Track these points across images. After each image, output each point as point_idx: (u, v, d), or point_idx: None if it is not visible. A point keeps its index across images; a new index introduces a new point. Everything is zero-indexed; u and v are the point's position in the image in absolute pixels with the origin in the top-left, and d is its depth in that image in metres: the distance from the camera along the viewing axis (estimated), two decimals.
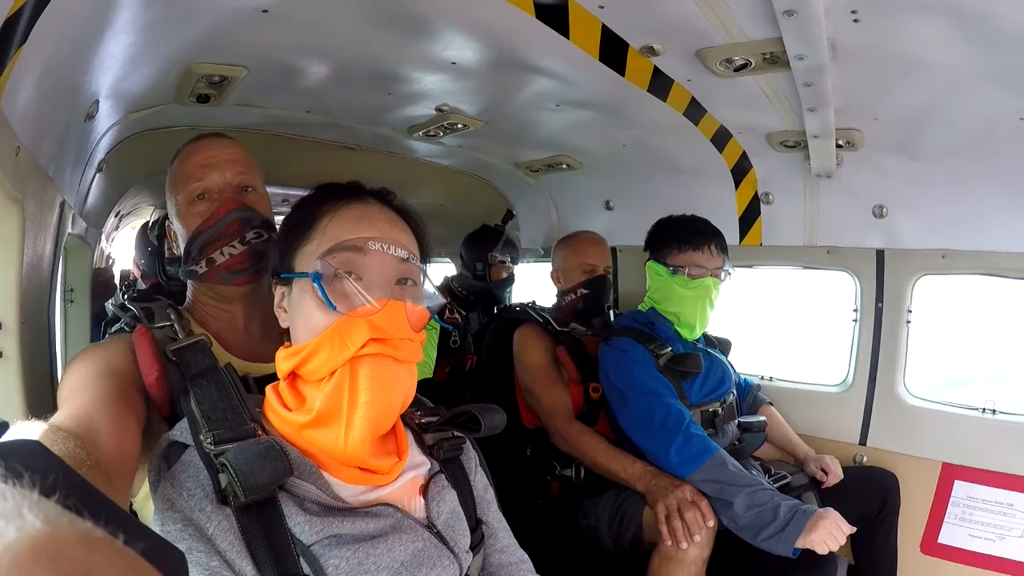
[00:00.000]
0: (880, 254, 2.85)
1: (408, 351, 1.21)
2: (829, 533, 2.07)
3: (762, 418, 2.76)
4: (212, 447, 1.10)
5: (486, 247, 4.17)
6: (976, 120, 2.20)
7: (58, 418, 1.13)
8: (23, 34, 1.14)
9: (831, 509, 2.14)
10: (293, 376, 1.23)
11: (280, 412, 1.21)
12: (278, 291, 1.30)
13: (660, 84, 2.21)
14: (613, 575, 2.64)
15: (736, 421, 2.72)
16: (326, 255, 1.19)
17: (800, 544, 2.10)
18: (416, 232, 1.34)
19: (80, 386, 1.26)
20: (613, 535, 2.56)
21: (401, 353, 1.19)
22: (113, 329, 1.66)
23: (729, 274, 2.70)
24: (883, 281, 2.86)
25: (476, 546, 1.38)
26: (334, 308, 1.15)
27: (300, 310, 1.22)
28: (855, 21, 1.69)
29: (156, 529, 1.05)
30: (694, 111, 2.44)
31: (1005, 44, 1.73)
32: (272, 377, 1.29)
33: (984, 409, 2.72)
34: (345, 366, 1.14)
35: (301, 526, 1.08)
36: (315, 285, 1.16)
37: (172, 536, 1.02)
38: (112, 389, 1.26)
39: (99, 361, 1.34)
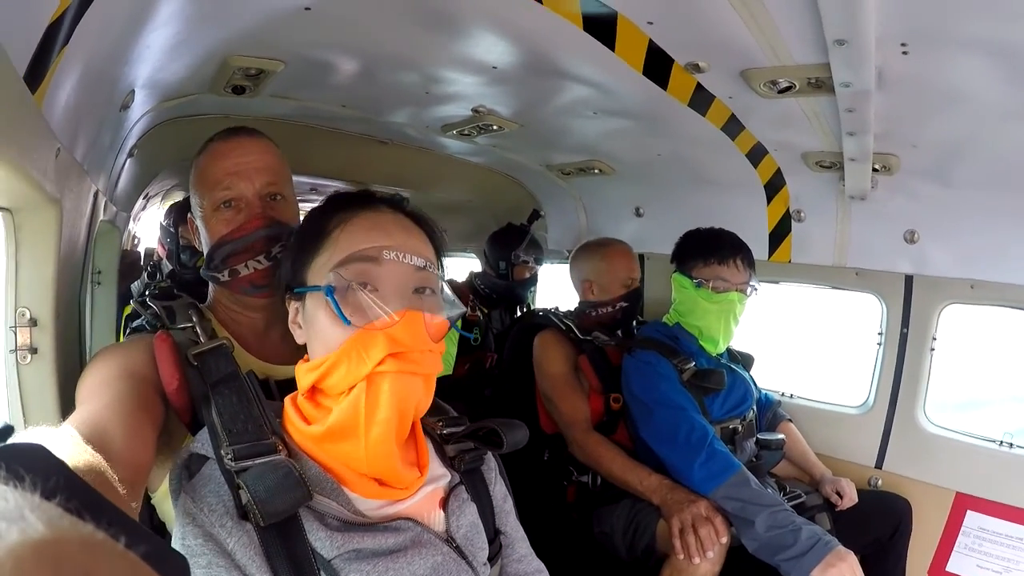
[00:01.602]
0: (909, 279, 2.83)
1: (428, 363, 1.18)
2: None
3: (781, 436, 2.76)
4: (232, 463, 1.09)
5: (510, 246, 4.15)
6: (1012, 154, 2.18)
7: (72, 422, 1.12)
8: (66, 36, 1.14)
9: (850, 552, 2.12)
10: (314, 389, 1.21)
11: (299, 425, 1.19)
12: (292, 306, 1.28)
13: (701, 100, 2.20)
14: None
15: (755, 438, 2.71)
16: (338, 267, 1.17)
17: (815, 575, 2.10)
18: (432, 239, 1.31)
19: (99, 387, 1.26)
20: (627, 543, 2.57)
21: (421, 367, 1.16)
22: (134, 325, 1.66)
23: (755, 290, 2.68)
24: (910, 307, 2.84)
25: (494, 557, 1.37)
26: (348, 323, 1.13)
27: (315, 325, 1.20)
28: (904, 53, 1.68)
29: (176, 541, 1.05)
30: (732, 127, 2.43)
31: None
32: (294, 381, 1.27)
33: (1002, 442, 2.70)
34: (363, 381, 1.12)
35: (322, 541, 1.08)
36: (328, 299, 1.14)
37: (193, 551, 1.02)
38: (130, 392, 1.25)
39: (119, 362, 1.33)
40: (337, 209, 1.26)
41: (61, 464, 0.67)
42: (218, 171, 1.58)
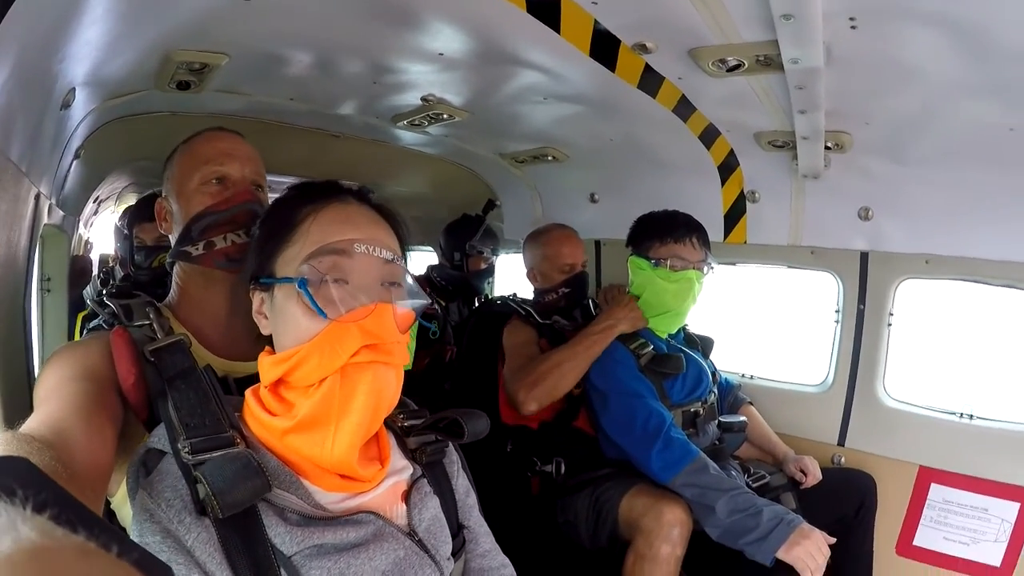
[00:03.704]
0: (864, 256, 2.85)
1: (399, 354, 1.18)
2: (811, 555, 2.08)
3: (743, 418, 2.77)
4: (189, 456, 1.07)
5: (465, 237, 4.14)
6: (966, 129, 2.20)
7: (31, 424, 1.10)
8: None
9: (815, 529, 2.14)
10: (277, 382, 1.19)
11: (262, 417, 1.17)
12: (256, 296, 1.26)
13: (650, 81, 2.19)
14: (590, 571, 2.64)
15: (717, 421, 2.73)
16: (310, 259, 1.16)
17: (781, 556, 2.11)
18: (396, 231, 1.31)
19: (56, 388, 1.23)
20: (590, 531, 2.57)
21: (393, 358, 1.16)
22: (91, 325, 1.62)
23: (712, 268, 2.69)
24: (866, 283, 2.86)
25: (457, 551, 1.36)
26: (325, 316, 1.12)
27: (284, 316, 1.18)
28: (852, 28, 1.68)
29: (134, 538, 1.02)
30: (683, 108, 2.42)
31: (999, 57, 1.73)
32: (253, 378, 1.26)
33: (961, 414, 2.74)
34: (336, 374, 1.11)
35: (282, 536, 1.06)
36: (302, 291, 1.13)
37: (151, 547, 1.00)
38: (89, 392, 1.23)
39: (76, 362, 1.31)
40: (306, 200, 1.26)
41: (49, 479, 0.68)
42: (212, 150, 1.62)
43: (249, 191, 1.60)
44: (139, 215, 3.25)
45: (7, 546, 0.32)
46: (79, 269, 3.61)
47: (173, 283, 1.65)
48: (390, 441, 1.33)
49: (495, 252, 4.24)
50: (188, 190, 1.59)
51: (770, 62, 1.91)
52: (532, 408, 2.65)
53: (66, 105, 1.82)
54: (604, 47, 1.96)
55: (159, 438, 1.14)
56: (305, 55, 2.17)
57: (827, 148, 2.53)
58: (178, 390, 1.20)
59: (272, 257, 1.22)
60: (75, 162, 2.31)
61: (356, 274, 1.17)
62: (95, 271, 4.35)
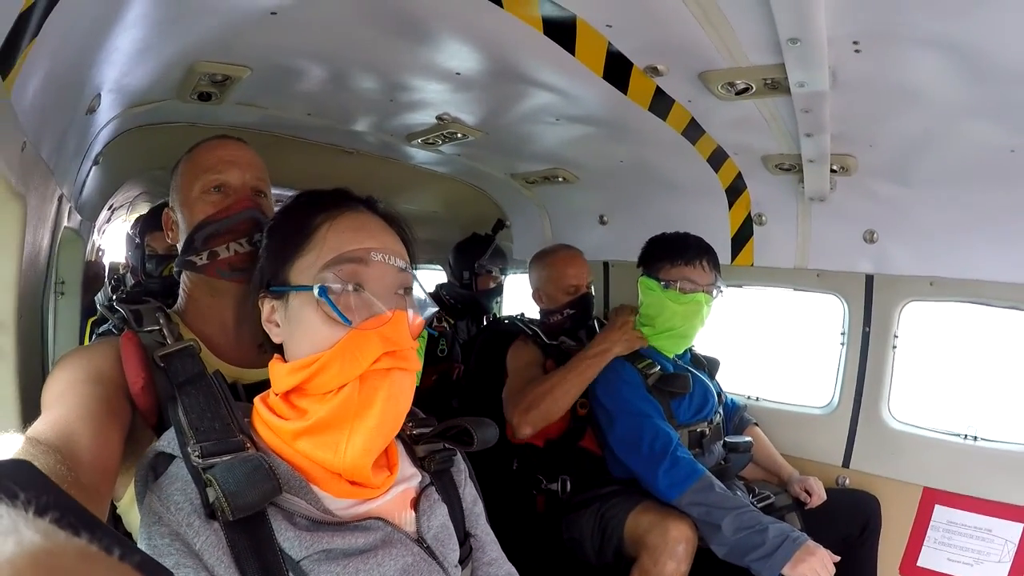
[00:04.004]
0: (869, 279, 2.87)
1: (414, 360, 1.20)
2: (815, 572, 2.10)
3: (748, 439, 2.77)
4: (199, 460, 1.07)
5: (474, 256, 4.18)
6: (969, 151, 2.23)
7: (39, 428, 1.12)
8: (35, 29, 1.13)
9: (820, 546, 2.16)
10: (291, 389, 1.19)
11: (272, 421, 1.18)
12: (267, 305, 1.26)
13: (661, 104, 2.23)
14: None
15: (722, 441, 2.73)
16: (330, 266, 1.17)
17: (787, 573, 2.12)
18: (404, 239, 1.32)
19: (65, 391, 1.24)
20: (595, 548, 2.57)
21: (410, 363, 1.18)
22: (101, 330, 1.64)
23: (721, 291, 2.70)
24: (871, 306, 2.88)
25: (464, 559, 1.36)
26: (349, 323, 1.13)
27: (301, 325, 1.19)
28: (856, 52, 1.71)
29: (143, 542, 1.03)
30: (692, 131, 2.46)
31: (1000, 79, 1.76)
32: (262, 385, 1.27)
33: (966, 436, 2.74)
34: (355, 381, 1.12)
35: (291, 541, 1.06)
36: (323, 299, 1.14)
37: (159, 551, 1.01)
38: (97, 396, 1.24)
39: (85, 365, 1.32)
40: (318, 208, 1.27)
41: (51, 482, 0.66)
42: (212, 158, 1.62)
43: (249, 198, 1.60)
44: (151, 224, 3.28)
45: (9, 549, 0.32)
46: (92, 275, 3.64)
47: (181, 291, 1.66)
48: (399, 449, 1.34)
49: (504, 271, 4.27)
50: (190, 199, 1.60)
51: (777, 85, 1.94)
52: (527, 432, 2.66)
53: (91, 110, 1.86)
54: (617, 69, 2.00)
55: (168, 442, 1.14)
56: (324, 71, 2.21)
57: (833, 171, 2.56)
58: (188, 395, 1.20)
59: (286, 265, 1.23)
60: (94, 168, 2.35)
61: (373, 282, 1.18)
62: (106, 278, 4.38)
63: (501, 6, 1.69)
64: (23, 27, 1.08)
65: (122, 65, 1.83)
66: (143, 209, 4.36)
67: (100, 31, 1.54)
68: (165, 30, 1.77)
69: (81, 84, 1.66)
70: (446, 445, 1.42)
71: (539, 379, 2.75)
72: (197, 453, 1.08)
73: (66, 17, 1.22)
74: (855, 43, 1.68)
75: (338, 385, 1.13)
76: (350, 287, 1.17)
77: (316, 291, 1.15)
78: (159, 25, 1.72)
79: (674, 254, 2.68)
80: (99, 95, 1.85)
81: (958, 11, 1.51)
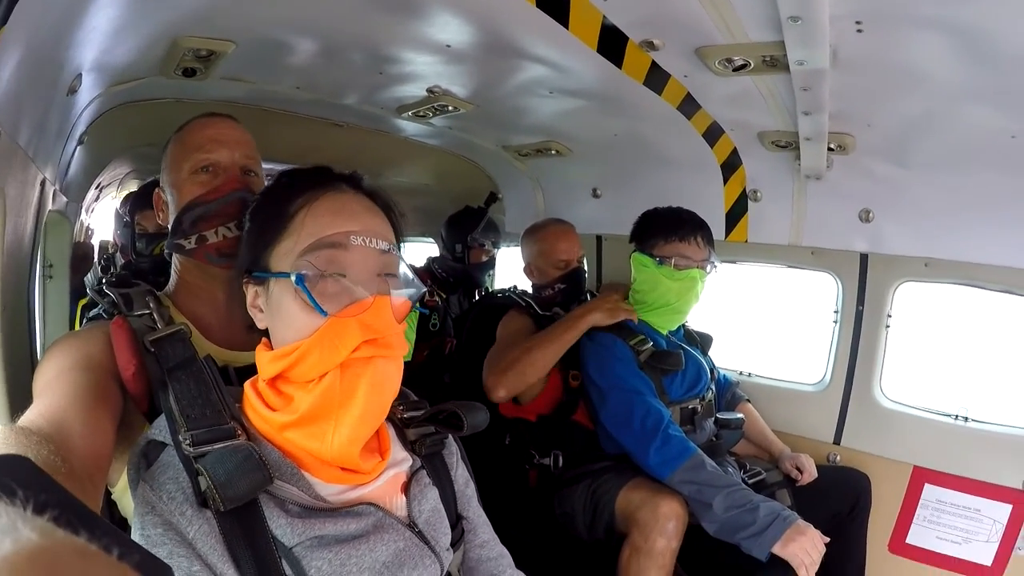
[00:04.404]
0: (864, 258, 2.86)
1: (399, 345, 1.19)
2: (806, 551, 2.10)
3: (740, 416, 2.76)
4: (191, 448, 1.07)
5: (466, 229, 4.15)
6: (968, 134, 2.21)
7: (30, 416, 1.10)
8: (3, 17, 1.09)
9: (810, 526, 2.17)
10: (276, 376, 1.18)
11: (261, 411, 1.17)
12: (251, 290, 1.25)
13: (656, 78, 2.20)
14: (587, 562, 2.66)
15: (714, 418, 2.73)
16: (307, 253, 1.15)
17: (777, 551, 2.12)
18: (391, 218, 1.30)
19: (55, 378, 1.23)
20: (587, 523, 2.59)
21: (393, 351, 1.17)
22: (91, 314, 1.62)
23: (715, 267, 2.70)
24: (865, 285, 2.87)
25: (456, 542, 1.36)
26: (324, 313, 1.11)
27: (281, 312, 1.18)
28: (859, 31, 1.69)
29: (136, 532, 1.02)
30: (688, 106, 2.43)
31: (1003, 64, 1.74)
32: (253, 368, 1.25)
33: (956, 416, 2.76)
34: (336, 369, 1.11)
35: (283, 528, 1.06)
36: (299, 287, 1.13)
37: (153, 540, 1.00)
38: (88, 382, 1.23)
39: (76, 352, 1.30)
40: (298, 189, 1.24)
41: (50, 479, 0.67)
42: (200, 137, 1.61)
43: (237, 178, 1.58)
44: (140, 202, 3.25)
45: (8, 547, 0.32)
46: (81, 255, 3.61)
47: (172, 271, 1.65)
48: (389, 433, 1.33)
49: (496, 245, 4.25)
50: (179, 180, 1.59)
51: (776, 63, 1.91)
52: (501, 395, 2.65)
53: (72, 91, 1.82)
54: (612, 43, 1.96)
55: (160, 430, 1.13)
56: (312, 44, 2.16)
57: (830, 149, 2.54)
58: (179, 381, 1.19)
59: (266, 250, 1.21)
60: (78, 148, 2.31)
61: (353, 267, 1.17)
62: (95, 257, 4.35)
63: None
64: None
65: (101, 44, 1.79)
66: (132, 187, 4.34)
67: (74, 12, 1.49)
68: (144, 7, 1.73)
69: (59, 66, 1.62)
70: (437, 428, 1.41)
71: (515, 343, 2.75)
72: (188, 441, 1.08)
73: (36, 2, 1.18)
74: (858, 22, 1.65)
75: (319, 374, 1.12)
76: (327, 273, 1.14)
77: (293, 279, 1.13)
78: (137, 2, 1.68)
79: (668, 230, 2.67)
80: (80, 75, 1.80)
81: None
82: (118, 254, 3.72)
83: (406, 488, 1.28)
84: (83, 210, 3.46)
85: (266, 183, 1.53)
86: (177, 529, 1.01)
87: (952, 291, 2.84)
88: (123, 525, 1.40)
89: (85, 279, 3.64)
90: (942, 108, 2.09)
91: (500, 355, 2.74)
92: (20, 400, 1.30)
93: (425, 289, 1.29)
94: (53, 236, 2.55)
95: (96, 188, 3.58)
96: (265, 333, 1.24)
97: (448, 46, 2.12)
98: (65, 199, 2.34)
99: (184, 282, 1.61)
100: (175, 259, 1.63)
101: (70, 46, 1.60)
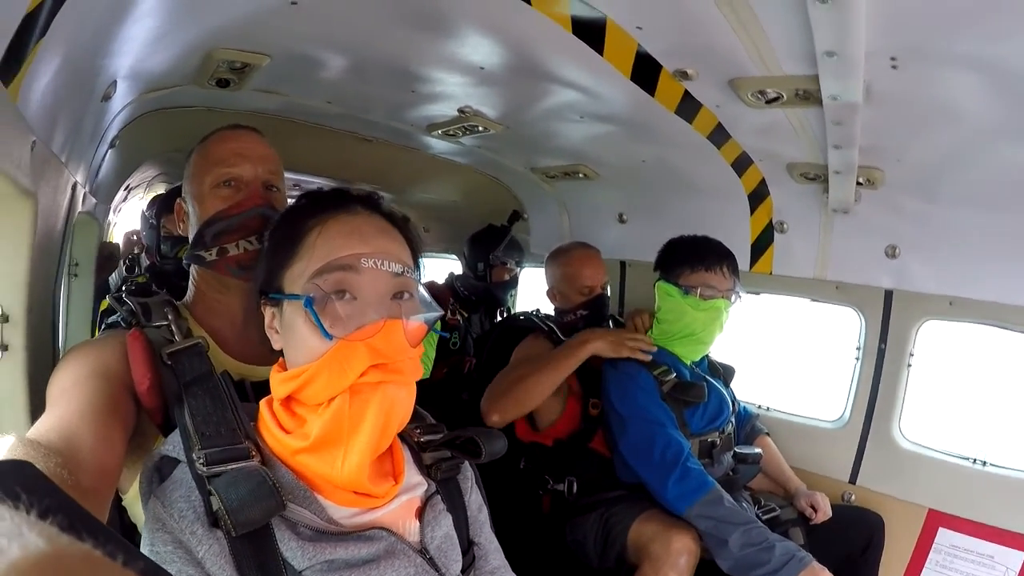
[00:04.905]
0: (888, 294, 2.83)
1: (410, 371, 1.17)
2: None
3: (758, 451, 2.74)
4: (204, 468, 1.06)
5: (489, 247, 4.13)
6: (997, 172, 2.19)
7: (41, 427, 1.10)
8: (43, 28, 1.11)
9: (824, 568, 2.13)
10: (289, 398, 1.18)
11: (276, 433, 1.16)
12: (267, 311, 1.25)
13: (688, 107, 2.20)
14: None
15: (732, 452, 2.71)
16: (316, 276, 1.15)
17: None
18: (408, 239, 1.29)
19: (70, 387, 1.23)
20: (598, 552, 2.56)
21: (403, 376, 1.15)
22: (109, 320, 1.63)
23: (740, 297, 2.67)
24: (888, 322, 2.84)
25: (467, 568, 1.34)
26: (330, 337, 1.11)
27: (294, 334, 1.17)
28: (893, 67, 1.68)
29: (146, 547, 1.02)
30: (718, 135, 2.42)
31: None
32: (269, 383, 1.24)
33: (975, 460, 2.72)
34: (344, 393, 1.10)
35: (293, 551, 1.05)
36: (308, 310, 1.12)
37: (162, 557, 1.00)
38: (102, 394, 1.23)
39: (92, 361, 1.31)
40: (312, 212, 1.24)
41: (54, 485, 0.67)
42: (224, 151, 1.60)
43: (259, 194, 1.58)
44: (167, 205, 3.28)
45: (14, 552, 0.32)
46: (107, 255, 3.64)
47: (191, 282, 1.65)
48: (405, 456, 1.32)
49: (519, 264, 4.23)
50: (202, 192, 1.59)
51: (809, 96, 1.91)
52: (495, 419, 2.63)
53: (107, 97, 1.84)
54: (645, 71, 1.96)
55: (174, 446, 1.13)
56: (345, 60, 2.18)
57: (858, 183, 2.52)
58: (194, 396, 1.18)
59: (280, 272, 1.22)
60: (110, 152, 2.33)
61: (364, 290, 1.16)
62: (120, 256, 4.39)
63: (529, 3, 1.66)
64: (29, 28, 1.06)
65: (137, 53, 1.81)
66: (160, 189, 4.40)
67: (112, 22, 1.51)
68: (181, 19, 1.75)
69: (95, 74, 1.64)
70: (453, 453, 1.39)
71: (515, 368, 2.74)
72: (202, 460, 1.07)
73: (76, 12, 1.20)
74: (892, 59, 1.64)
75: (327, 397, 1.11)
76: (336, 296, 1.14)
77: (303, 302, 1.13)
78: (175, 13, 1.70)
79: (695, 259, 2.65)
80: (114, 82, 1.83)
81: (1003, 34, 1.47)
82: (143, 255, 3.75)
83: (420, 513, 1.27)
84: (111, 211, 3.50)
85: (289, 195, 1.54)
86: (187, 548, 1.01)
87: (975, 331, 2.80)
88: (132, 531, 1.40)
89: (110, 278, 3.68)
90: (973, 145, 2.07)
91: (500, 379, 2.73)
92: (40, 397, 1.31)
93: (441, 312, 1.27)
94: (81, 236, 2.58)
95: (125, 189, 3.62)
96: (281, 353, 1.24)
97: (481, 68, 2.14)
98: (94, 200, 2.36)
99: (202, 294, 1.61)
100: (193, 270, 1.63)
101: (107, 55, 1.62)
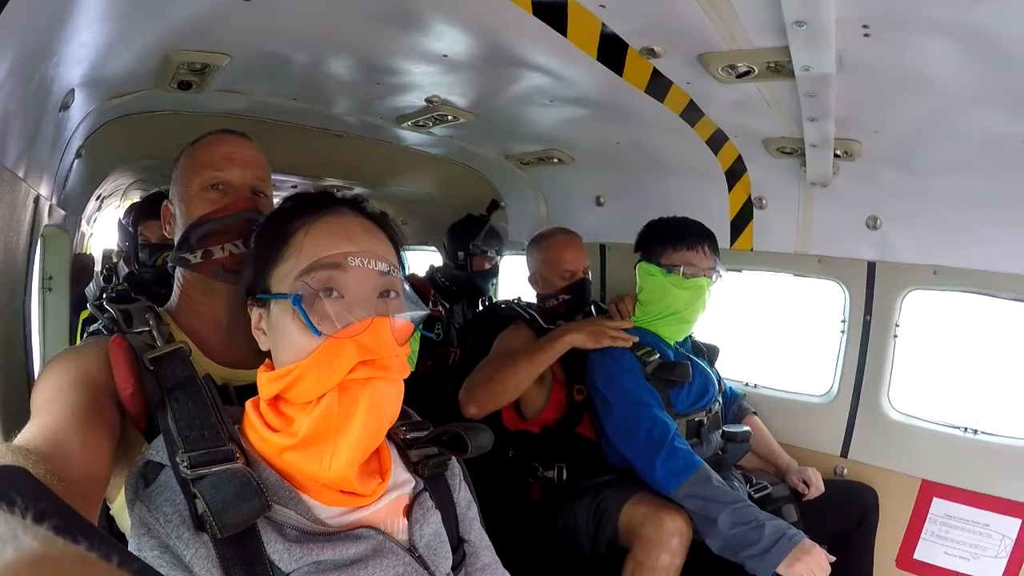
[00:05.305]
0: (871, 266, 2.83)
1: (397, 368, 1.17)
2: (811, 571, 2.07)
3: (746, 428, 2.74)
4: (188, 471, 1.05)
5: (468, 236, 4.16)
6: (976, 139, 2.18)
7: (27, 435, 1.09)
8: None
9: (816, 545, 2.13)
10: (276, 397, 1.17)
11: (262, 433, 1.16)
12: (255, 312, 1.25)
13: (658, 85, 2.17)
14: None
15: (720, 431, 2.71)
16: (304, 274, 1.15)
17: (782, 572, 2.09)
18: (393, 240, 1.30)
19: (53, 396, 1.22)
20: (590, 537, 2.55)
21: (391, 373, 1.15)
22: (91, 329, 1.61)
23: (721, 276, 2.68)
24: (872, 294, 2.84)
25: (457, 566, 1.34)
26: (319, 334, 1.11)
27: (281, 333, 1.17)
28: (866, 36, 1.66)
29: (133, 551, 1.01)
30: (691, 113, 2.40)
31: (1012, 67, 1.71)
32: (253, 387, 1.24)
33: (966, 428, 2.72)
34: (334, 391, 1.10)
35: (280, 554, 1.05)
36: (296, 308, 1.12)
37: (149, 562, 0.99)
38: (85, 401, 1.21)
39: (74, 369, 1.29)
40: (298, 213, 1.25)
41: (48, 489, 0.68)
42: (212, 155, 1.61)
43: (247, 199, 1.59)
44: (144, 213, 3.27)
45: (10, 556, 0.32)
46: (81, 267, 3.62)
47: (175, 286, 1.64)
48: (392, 454, 1.32)
49: (499, 252, 4.26)
50: (189, 195, 1.59)
51: (780, 69, 1.88)
52: (472, 411, 2.62)
53: (65, 107, 1.81)
54: (612, 51, 1.94)
55: (158, 450, 1.12)
56: (307, 55, 2.16)
57: (836, 156, 2.51)
58: (177, 401, 1.18)
59: (267, 272, 1.22)
60: (76, 162, 2.31)
61: (351, 288, 1.16)
62: (98, 267, 4.36)
63: None
64: None
65: (92, 60, 1.78)
66: (135, 197, 4.39)
67: (62, 28, 1.48)
68: (133, 21, 1.72)
69: (49, 83, 1.60)
70: (440, 450, 1.39)
71: (493, 361, 2.74)
72: (186, 463, 1.06)
73: (17, 22, 1.17)
74: (865, 27, 1.62)
75: (316, 395, 1.11)
76: (324, 294, 1.14)
77: (291, 300, 1.13)
78: (126, 16, 1.67)
79: (676, 239, 2.66)
80: (72, 91, 1.80)
81: None
82: (121, 263, 3.72)
83: (408, 511, 1.26)
84: (84, 221, 3.46)
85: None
86: (174, 552, 1.01)
87: (961, 299, 2.79)
88: (121, 540, 1.38)
89: (86, 290, 3.64)
90: (950, 113, 2.06)
91: (478, 370, 2.73)
92: (16, 413, 1.28)
93: (428, 311, 1.28)
94: (52, 249, 2.56)
95: (97, 199, 3.59)
96: (270, 354, 1.23)
97: (445, 56, 2.11)
98: (63, 212, 2.33)
99: (186, 297, 1.61)
100: (178, 274, 1.63)
101: (58, 63, 1.58)
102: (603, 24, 1.80)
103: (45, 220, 1.98)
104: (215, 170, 1.58)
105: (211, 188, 1.58)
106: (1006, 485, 2.62)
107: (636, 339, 2.67)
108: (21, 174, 1.58)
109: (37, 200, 1.79)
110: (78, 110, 1.99)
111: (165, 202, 1.68)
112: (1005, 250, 2.48)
